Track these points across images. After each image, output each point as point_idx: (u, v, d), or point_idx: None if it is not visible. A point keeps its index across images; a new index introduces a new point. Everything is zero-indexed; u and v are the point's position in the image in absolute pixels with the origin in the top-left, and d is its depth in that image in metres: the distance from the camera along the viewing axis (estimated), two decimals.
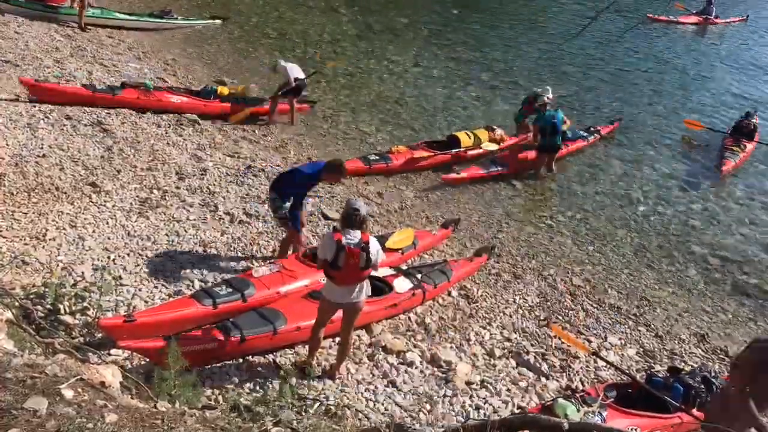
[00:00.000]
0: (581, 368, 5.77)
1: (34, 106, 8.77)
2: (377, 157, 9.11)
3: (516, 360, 5.70)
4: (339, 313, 4.89)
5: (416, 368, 5.30)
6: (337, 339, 5.12)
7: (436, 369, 5.34)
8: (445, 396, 5.04)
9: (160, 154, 8.23)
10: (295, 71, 9.96)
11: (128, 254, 6.07)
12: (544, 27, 18.64)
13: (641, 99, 13.84)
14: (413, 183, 9.17)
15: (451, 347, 5.67)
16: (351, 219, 4.54)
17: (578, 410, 4.61)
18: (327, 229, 7.05)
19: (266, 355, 5.13)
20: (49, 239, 6.04)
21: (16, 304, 4.53)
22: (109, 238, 6.28)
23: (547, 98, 9.96)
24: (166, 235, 6.54)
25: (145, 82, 9.85)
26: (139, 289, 5.60)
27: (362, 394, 4.92)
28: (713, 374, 5.40)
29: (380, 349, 5.43)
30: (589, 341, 6.21)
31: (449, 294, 6.50)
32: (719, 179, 10.63)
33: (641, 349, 6.28)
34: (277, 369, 4.90)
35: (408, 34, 16.23)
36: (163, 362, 3.72)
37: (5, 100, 8.78)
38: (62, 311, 4.97)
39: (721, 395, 4.23)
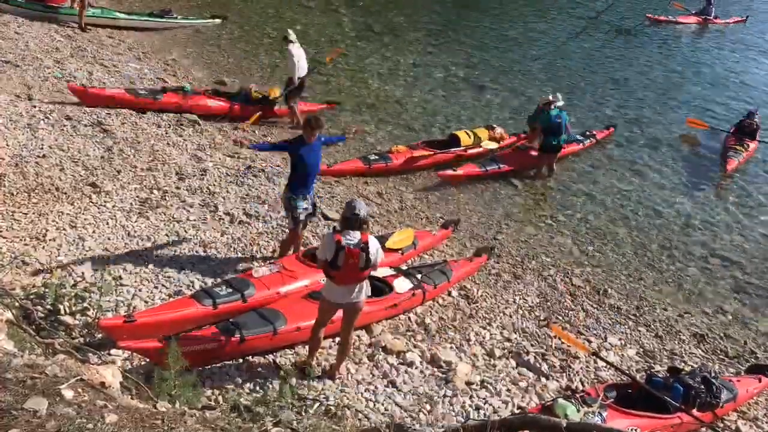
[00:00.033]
0: (581, 368, 5.78)
1: (34, 106, 8.77)
2: (377, 157, 9.10)
3: (516, 360, 5.71)
4: (339, 314, 4.89)
5: (416, 368, 5.30)
6: (337, 339, 5.12)
7: (436, 369, 5.34)
8: (445, 396, 5.04)
9: (160, 155, 8.23)
10: (302, 65, 9.87)
11: (128, 254, 6.07)
12: (543, 27, 18.63)
13: (641, 99, 13.83)
14: (413, 183, 9.17)
15: (451, 347, 5.67)
16: (351, 220, 4.54)
17: (578, 410, 4.62)
18: (327, 230, 7.05)
19: (266, 356, 5.14)
20: (49, 240, 6.04)
21: (16, 304, 4.53)
22: (109, 239, 6.28)
23: (555, 105, 9.83)
24: (166, 235, 6.54)
25: (184, 86, 10.03)
26: (139, 290, 5.61)
27: (362, 394, 4.92)
28: (713, 374, 5.41)
29: (380, 349, 5.43)
30: (589, 341, 6.21)
31: (449, 294, 6.51)
32: (719, 179, 10.63)
33: (641, 350, 6.29)
34: (277, 369, 4.90)
35: (408, 34, 16.23)
36: (163, 362, 3.73)
37: (5, 100, 8.78)
38: (62, 312, 4.97)
39: None
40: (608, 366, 5.68)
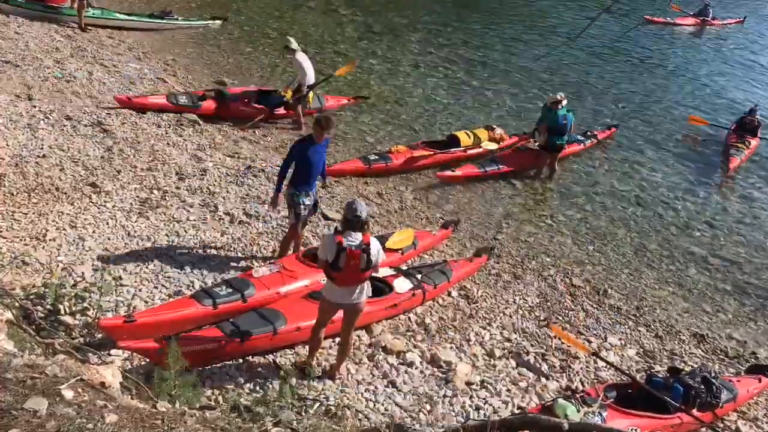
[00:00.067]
0: (581, 368, 5.78)
1: (34, 106, 8.77)
2: (377, 157, 9.10)
3: (516, 360, 5.71)
4: (339, 314, 4.89)
5: (416, 368, 5.30)
6: (337, 339, 5.12)
7: (436, 369, 5.34)
8: (445, 396, 5.04)
9: (160, 155, 8.23)
10: (309, 73, 9.83)
11: (128, 254, 6.07)
12: (543, 27, 18.62)
13: (641, 99, 13.84)
14: (413, 183, 9.17)
15: (451, 347, 5.67)
16: (353, 222, 4.53)
17: (578, 410, 4.62)
18: (327, 230, 7.05)
19: (266, 356, 5.14)
20: (49, 240, 6.04)
21: (16, 304, 4.53)
22: (109, 239, 6.28)
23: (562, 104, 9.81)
24: (166, 235, 6.54)
25: (221, 90, 10.13)
26: (139, 290, 5.61)
27: (362, 394, 4.92)
28: (713, 374, 5.41)
29: (380, 349, 5.43)
30: (589, 341, 6.22)
31: (449, 294, 6.51)
32: (720, 178, 10.64)
33: (641, 350, 6.29)
34: (277, 369, 4.90)
35: (408, 34, 16.22)
36: (163, 362, 3.73)
37: (5, 100, 8.78)
38: (62, 312, 4.97)
39: None
40: (608, 366, 5.69)
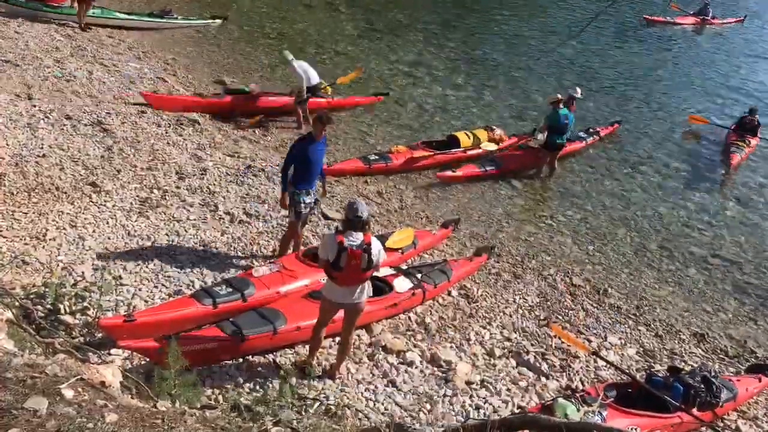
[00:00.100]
0: (581, 368, 5.78)
1: (34, 106, 8.77)
2: (377, 157, 9.11)
3: (516, 360, 5.71)
4: (340, 313, 4.88)
5: (416, 368, 5.30)
6: (338, 339, 5.12)
7: (436, 369, 5.34)
8: (445, 396, 5.04)
9: (160, 154, 8.23)
10: (310, 74, 9.90)
11: (128, 254, 6.07)
12: (543, 27, 18.63)
13: (640, 99, 13.84)
14: (413, 182, 9.17)
15: (451, 347, 5.67)
16: (354, 222, 4.53)
17: (578, 410, 4.62)
18: (327, 229, 7.05)
19: (266, 355, 5.13)
20: (50, 239, 6.04)
21: (17, 304, 4.53)
22: (109, 238, 6.28)
23: (563, 103, 9.83)
24: (166, 234, 6.54)
25: (242, 87, 10.30)
26: (139, 289, 5.61)
27: (362, 393, 4.92)
28: (713, 374, 5.41)
29: (380, 348, 5.43)
30: (589, 341, 6.21)
31: (449, 294, 6.50)
32: (720, 178, 10.64)
33: (641, 349, 6.29)
34: (277, 369, 4.90)
35: (408, 34, 16.23)
36: (163, 362, 3.73)
37: (5, 99, 8.78)
38: (62, 311, 4.97)
39: None
40: (608, 365, 5.69)
